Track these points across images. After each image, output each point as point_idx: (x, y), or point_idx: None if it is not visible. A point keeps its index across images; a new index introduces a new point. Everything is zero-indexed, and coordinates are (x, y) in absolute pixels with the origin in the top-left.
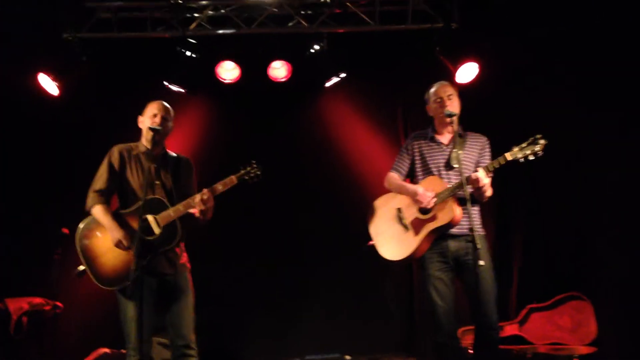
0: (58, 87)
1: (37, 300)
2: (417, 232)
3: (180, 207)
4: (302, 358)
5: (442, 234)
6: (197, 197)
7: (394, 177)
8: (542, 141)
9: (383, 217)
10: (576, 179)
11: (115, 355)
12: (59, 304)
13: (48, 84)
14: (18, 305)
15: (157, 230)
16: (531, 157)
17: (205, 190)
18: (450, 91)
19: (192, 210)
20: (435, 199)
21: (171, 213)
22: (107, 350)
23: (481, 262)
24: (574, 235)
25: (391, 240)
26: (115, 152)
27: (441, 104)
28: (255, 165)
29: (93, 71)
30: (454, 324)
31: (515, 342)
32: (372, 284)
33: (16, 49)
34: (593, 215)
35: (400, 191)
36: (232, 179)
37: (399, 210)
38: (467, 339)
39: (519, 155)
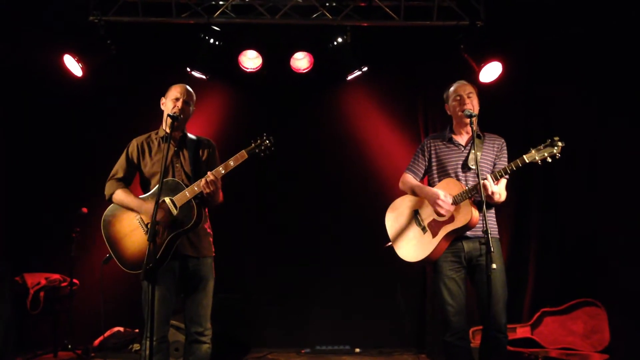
0: (82, 69)
1: (55, 276)
2: (434, 234)
3: (194, 187)
4: (312, 348)
5: (459, 235)
6: (202, 180)
7: (410, 179)
8: (559, 143)
9: (401, 218)
10: (594, 185)
11: (129, 334)
12: (75, 281)
13: (73, 65)
14: (36, 280)
15: (174, 212)
16: (549, 160)
17: (209, 173)
18: (470, 90)
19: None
20: (453, 207)
21: (187, 193)
22: (121, 329)
23: (494, 265)
24: (589, 241)
25: (409, 242)
26: (132, 144)
27: (460, 101)
28: (265, 138)
29: (117, 54)
30: (464, 324)
31: (526, 344)
32: (386, 282)
33: (44, 29)
34: (609, 222)
35: (418, 193)
36: (243, 153)
37: (417, 211)
38: (477, 340)
39: (537, 157)
